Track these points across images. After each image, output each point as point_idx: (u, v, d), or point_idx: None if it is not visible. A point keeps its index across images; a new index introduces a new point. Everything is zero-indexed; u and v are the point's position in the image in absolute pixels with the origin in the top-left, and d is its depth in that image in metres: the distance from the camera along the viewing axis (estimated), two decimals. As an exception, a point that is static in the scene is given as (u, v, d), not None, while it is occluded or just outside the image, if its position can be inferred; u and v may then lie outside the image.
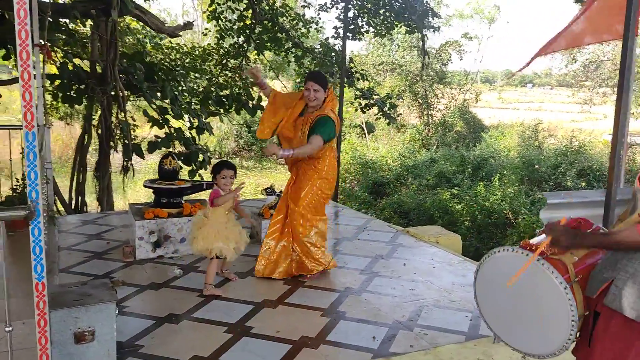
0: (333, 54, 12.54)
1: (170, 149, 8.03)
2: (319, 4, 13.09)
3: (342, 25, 12.54)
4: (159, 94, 7.91)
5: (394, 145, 21.50)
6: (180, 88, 9.10)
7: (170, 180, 5.45)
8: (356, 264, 5.27)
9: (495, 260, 2.55)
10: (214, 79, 11.89)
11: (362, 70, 14.20)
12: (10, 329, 2.77)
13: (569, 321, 2.28)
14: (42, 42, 5.91)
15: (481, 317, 2.67)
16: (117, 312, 3.06)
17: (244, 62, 12.54)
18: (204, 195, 5.69)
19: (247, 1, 11.35)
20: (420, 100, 23.22)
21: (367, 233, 6.36)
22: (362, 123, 23.74)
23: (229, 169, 4.46)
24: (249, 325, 3.91)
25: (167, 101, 8.01)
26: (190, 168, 7.93)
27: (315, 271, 4.85)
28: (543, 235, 2.60)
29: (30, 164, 2.56)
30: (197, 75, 11.61)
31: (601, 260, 2.42)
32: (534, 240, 2.59)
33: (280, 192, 6.06)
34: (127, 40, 11.61)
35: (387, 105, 12.70)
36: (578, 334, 2.41)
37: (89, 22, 8.61)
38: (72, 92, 7.31)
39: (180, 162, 8.00)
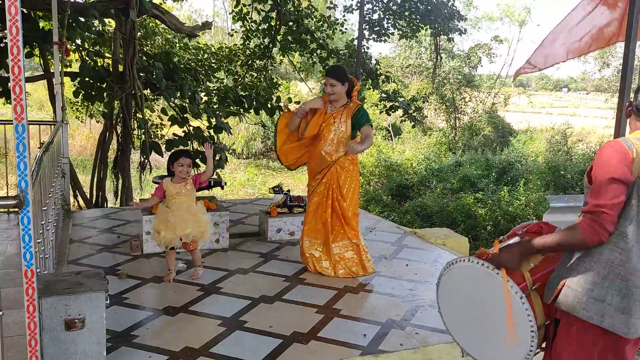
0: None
1: (189, 148, 8.20)
2: (344, 6, 13.16)
3: (366, 26, 12.63)
4: (178, 93, 8.08)
5: (420, 148, 21.38)
6: (200, 87, 9.26)
7: (178, 176, 5.55)
8: (359, 264, 5.28)
9: (454, 271, 2.47)
10: (239, 79, 12.07)
11: (388, 72, 14.19)
12: (1, 313, 2.86)
13: (529, 332, 2.20)
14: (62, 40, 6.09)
15: (447, 331, 2.61)
16: (107, 301, 3.14)
17: (269, 63, 12.69)
18: (213, 191, 5.78)
19: (271, 3, 11.47)
20: (447, 104, 23.05)
21: (374, 234, 6.37)
22: (389, 125, 23.68)
23: (186, 158, 4.54)
24: (243, 319, 3.97)
25: (187, 100, 8.17)
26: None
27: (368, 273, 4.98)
28: (516, 238, 2.53)
29: (20, 155, 2.65)
30: (218, 76, 11.76)
31: (558, 264, 2.36)
32: (505, 243, 2.53)
33: (288, 191, 6.12)
34: (156, 40, 11.87)
35: (413, 107, 12.68)
36: (544, 344, 2.35)
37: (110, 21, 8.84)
38: (92, 90, 7.51)
39: (197, 161, 8.16)
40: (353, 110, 4.87)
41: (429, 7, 12.15)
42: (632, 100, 2.23)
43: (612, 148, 2.10)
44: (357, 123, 4.86)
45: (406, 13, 12.44)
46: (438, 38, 14.94)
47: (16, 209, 2.59)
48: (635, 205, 2.07)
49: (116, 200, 9.01)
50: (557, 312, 2.22)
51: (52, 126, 6.85)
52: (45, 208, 3.90)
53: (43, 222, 3.74)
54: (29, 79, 9.59)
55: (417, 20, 12.56)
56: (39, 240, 3.46)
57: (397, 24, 12.78)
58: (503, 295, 2.24)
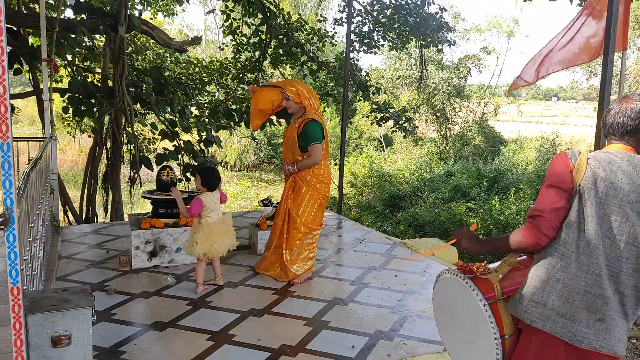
0: (349, 67, 12.64)
1: (179, 162, 8.22)
2: (334, 18, 13.27)
3: (357, 39, 12.73)
4: (168, 108, 8.10)
5: (412, 158, 21.47)
6: (190, 102, 9.29)
7: (168, 191, 5.57)
8: (348, 275, 5.31)
9: (439, 284, 2.61)
10: (231, 92, 12.11)
11: (378, 84, 14.28)
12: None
13: (492, 339, 2.26)
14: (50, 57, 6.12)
15: (442, 342, 2.70)
16: (93, 317, 3.14)
17: (259, 76, 12.75)
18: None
19: (261, 17, 11.54)
20: (437, 114, 23.18)
21: (364, 245, 6.40)
22: (380, 136, 23.77)
23: None
24: (231, 333, 3.98)
25: (176, 114, 8.19)
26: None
27: (294, 279, 5.02)
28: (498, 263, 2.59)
29: (5, 173, 2.67)
30: (210, 89, 11.81)
31: None
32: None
33: (278, 203, 6.13)
34: (147, 54, 11.92)
35: (403, 118, 12.76)
36: None
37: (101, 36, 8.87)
38: (82, 106, 7.52)
39: (188, 174, 8.17)
40: (301, 122, 4.95)
41: (418, 19, 12.25)
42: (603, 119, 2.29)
43: (556, 158, 2.21)
44: (305, 139, 4.92)
45: (395, 25, 12.54)
46: (424, 50, 15.06)
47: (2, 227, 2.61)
48: (575, 213, 2.12)
49: (106, 215, 9.00)
50: (519, 321, 2.26)
51: (42, 142, 6.86)
52: (32, 225, 3.91)
53: (30, 239, 3.74)
54: (18, 96, 9.61)
55: (407, 32, 12.66)
56: (25, 258, 3.47)
57: (386, 36, 12.88)
58: (470, 301, 2.33)
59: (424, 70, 18.61)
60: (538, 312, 2.14)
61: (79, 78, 7.84)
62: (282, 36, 11.78)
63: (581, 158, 2.14)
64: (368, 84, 12.69)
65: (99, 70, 9.59)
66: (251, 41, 12.17)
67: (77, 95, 7.39)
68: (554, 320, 2.11)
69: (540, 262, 2.19)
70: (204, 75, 12.29)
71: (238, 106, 10.25)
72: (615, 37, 3.74)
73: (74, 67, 8.91)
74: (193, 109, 9.99)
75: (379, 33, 12.92)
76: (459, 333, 2.48)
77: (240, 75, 12.45)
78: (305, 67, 12.44)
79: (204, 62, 13.06)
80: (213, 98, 11.80)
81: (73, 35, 7.51)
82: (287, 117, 5.24)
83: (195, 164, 8.23)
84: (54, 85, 7.07)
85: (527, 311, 2.16)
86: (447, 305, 2.55)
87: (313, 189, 4.98)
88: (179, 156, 8.10)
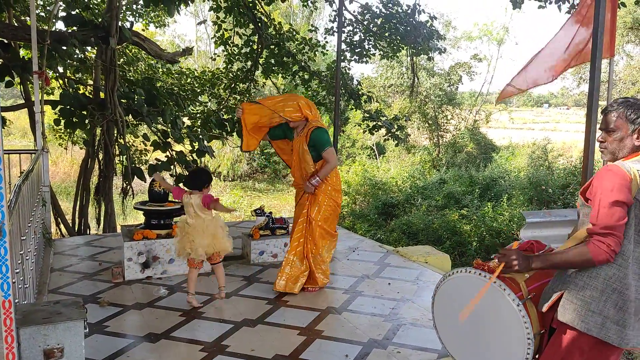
0: (340, 76, 12.69)
1: (172, 172, 8.21)
2: (325, 28, 13.34)
3: (348, 48, 12.80)
4: (159, 118, 8.10)
5: (405, 166, 21.50)
6: (183, 112, 9.30)
7: (160, 202, 5.57)
8: (341, 284, 5.32)
9: (451, 282, 2.57)
10: (223, 102, 12.13)
11: (370, 92, 14.33)
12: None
13: (525, 339, 2.29)
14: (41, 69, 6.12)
15: (440, 342, 2.70)
16: (86, 329, 3.13)
17: (251, 85, 12.78)
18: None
19: (253, 27, 11.59)
20: (430, 122, 23.26)
21: (357, 253, 6.41)
22: (373, 145, 23.83)
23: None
24: (225, 344, 3.97)
25: (169, 125, 8.19)
26: (191, 190, 8.09)
27: (320, 285, 5.06)
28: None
29: (-4, 186, 2.67)
30: (202, 99, 11.82)
31: (554, 277, 2.47)
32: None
33: (270, 212, 6.14)
34: (139, 66, 11.93)
35: (395, 126, 12.81)
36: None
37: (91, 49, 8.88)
38: (73, 118, 7.50)
39: (181, 185, 8.15)
40: (307, 133, 4.94)
41: (409, 28, 12.33)
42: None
43: (612, 172, 2.23)
44: (316, 147, 4.93)
45: (386, 34, 12.62)
46: (415, 58, 15.11)
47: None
48: (633, 224, 2.19)
49: (98, 226, 8.97)
50: (553, 321, 2.32)
51: (34, 154, 6.84)
52: (24, 237, 3.90)
53: (22, 252, 3.73)
54: (10, 108, 9.59)
55: (397, 41, 12.74)
56: (17, 270, 3.46)
57: (377, 45, 12.96)
58: (500, 301, 2.35)
59: (416, 79, 18.75)
60: (594, 321, 2.21)
61: (71, 90, 7.82)
62: (273, 46, 11.83)
63: (633, 170, 2.21)
64: (360, 92, 12.74)
65: (90, 82, 9.59)
66: (243, 51, 12.21)
67: (68, 107, 7.37)
68: (607, 327, 2.20)
69: (595, 271, 2.25)
70: (196, 85, 12.32)
71: (230, 116, 10.27)
72: (602, 44, 3.79)
73: (66, 79, 8.91)
74: (185, 119, 10.00)
75: (370, 42, 12.99)
76: (474, 334, 2.47)
77: (232, 85, 12.49)
78: (297, 76, 12.49)
79: (195, 72, 13.09)
80: (205, 108, 11.82)
81: (64, 48, 7.50)
82: (290, 135, 5.14)
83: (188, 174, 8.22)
84: (46, 97, 7.03)
85: (585, 321, 2.22)
86: (461, 306, 2.51)
87: (329, 197, 5.01)
88: (172, 167, 8.10)
